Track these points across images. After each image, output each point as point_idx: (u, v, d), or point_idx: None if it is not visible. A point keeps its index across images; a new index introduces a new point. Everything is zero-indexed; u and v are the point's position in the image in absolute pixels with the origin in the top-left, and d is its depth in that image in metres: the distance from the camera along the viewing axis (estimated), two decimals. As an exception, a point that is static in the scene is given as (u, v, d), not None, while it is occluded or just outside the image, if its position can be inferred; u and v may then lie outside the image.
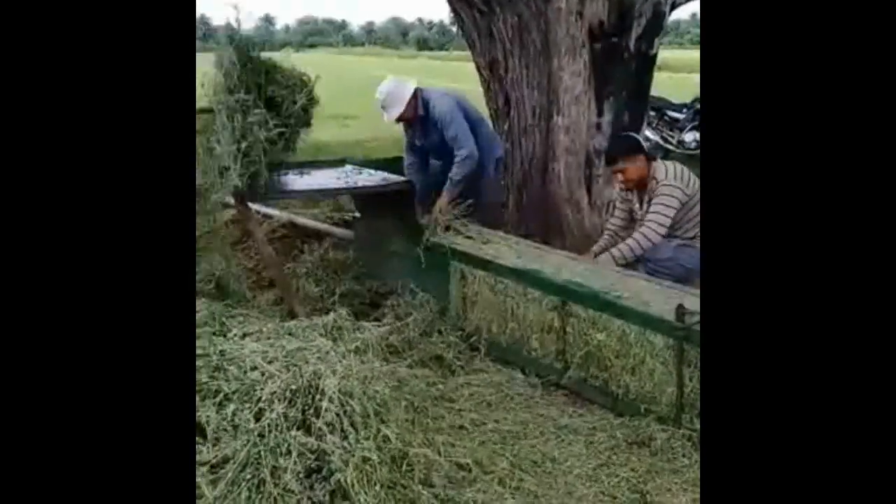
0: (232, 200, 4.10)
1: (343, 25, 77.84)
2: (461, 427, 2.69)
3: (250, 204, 4.25)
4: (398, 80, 4.07)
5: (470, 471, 2.23)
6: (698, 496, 2.24)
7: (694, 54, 25.19)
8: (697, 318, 2.48)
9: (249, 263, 4.50)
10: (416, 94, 3.94)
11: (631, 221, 3.61)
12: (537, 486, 2.29)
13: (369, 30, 75.52)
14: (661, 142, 7.97)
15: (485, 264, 3.26)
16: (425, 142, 4.06)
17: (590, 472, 2.39)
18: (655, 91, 7.59)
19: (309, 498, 1.30)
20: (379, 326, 2.91)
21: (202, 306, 2.16)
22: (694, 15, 51.31)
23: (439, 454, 1.96)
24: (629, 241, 3.38)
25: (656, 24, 4.06)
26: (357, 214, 4.49)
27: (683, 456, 2.44)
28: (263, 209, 5.35)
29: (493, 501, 1.84)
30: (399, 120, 3.99)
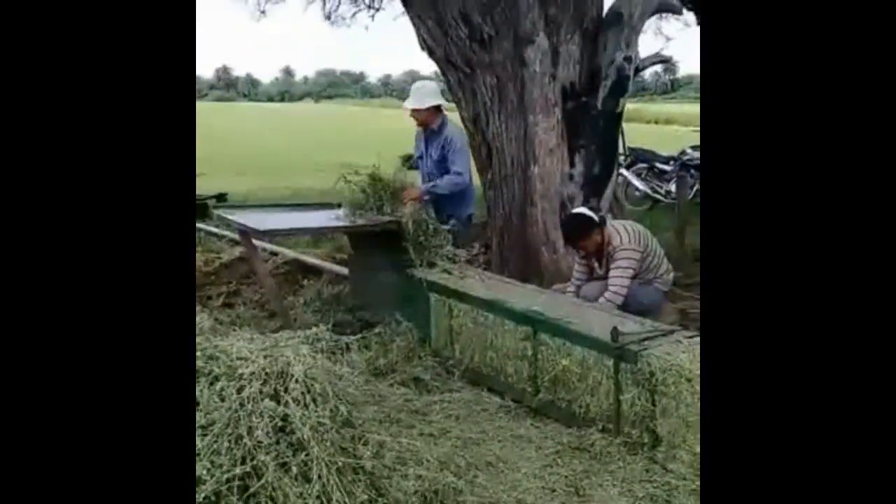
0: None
1: (360, 77, 79.91)
2: (430, 434, 3.06)
3: (257, 242, 4.74)
4: (435, 83, 4.63)
5: (431, 466, 2.61)
6: (625, 490, 2.61)
7: (701, 109, 25.66)
8: (630, 338, 2.88)
9: (255, 296, 4.95)
10: (441, 109, 4.43)
11: (591, 276, 4.00)
12: (488, 481, 2.66)
13: (385, 82, 77.39)
14: (649, 192, 8.43)
15: (459, 295, 3.67)
16: (424, 154, 4.52)
17: (535, 471, 2.75)
18: (658, 145, 8.02)
19: (275, 449, 1.71)
20: (359, 346, 3.31)
21: (207, 317, 2.50)
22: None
23: (398, 444, 2.32)
24: (599, 303, 3.68)
25: (621, 85, 4.54)
26: (351, 252, 4.93)
27: (618, 459, 2.80)
28: (271, 247, 5.85)
29: (435, 478, 2.20)
30: (413, 115, 4.44)
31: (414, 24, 4.72)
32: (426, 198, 4.33)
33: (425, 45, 4.73)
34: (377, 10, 7.72)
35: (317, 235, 5.83)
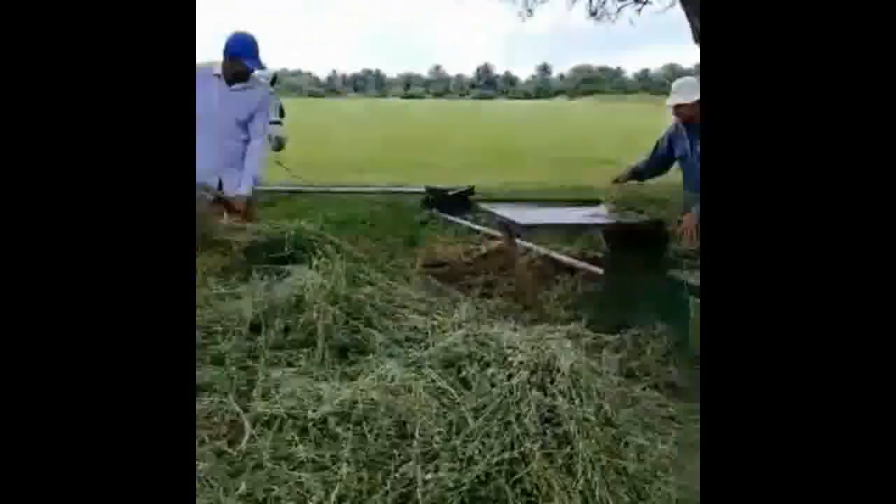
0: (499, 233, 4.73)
1: (617, 73, 78.51)
2: (688, 444, 2.94)
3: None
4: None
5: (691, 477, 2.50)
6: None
7: None
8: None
9: (509, 288, 5.10)
10: None
11: None
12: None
13: (642, 77, 75.20)
14: None
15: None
16: (688, 153, 4.38)
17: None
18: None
19: (542, 439, 1.75)
20: (613, 346, 3.28)
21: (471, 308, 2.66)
22: None
23: (657, 450, 2.26)
24: None
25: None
26: (608, 250, 4.88)
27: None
28: (523, 243, 5.99)
29: (695, 490, 2.11)
30: (678, 111, 4.34)
31: (688, 17, 4.52)
32: None
33: (699, 38, 4.51)
34: (644, 3, 7.52)
35: (575, 232, 5.85)
